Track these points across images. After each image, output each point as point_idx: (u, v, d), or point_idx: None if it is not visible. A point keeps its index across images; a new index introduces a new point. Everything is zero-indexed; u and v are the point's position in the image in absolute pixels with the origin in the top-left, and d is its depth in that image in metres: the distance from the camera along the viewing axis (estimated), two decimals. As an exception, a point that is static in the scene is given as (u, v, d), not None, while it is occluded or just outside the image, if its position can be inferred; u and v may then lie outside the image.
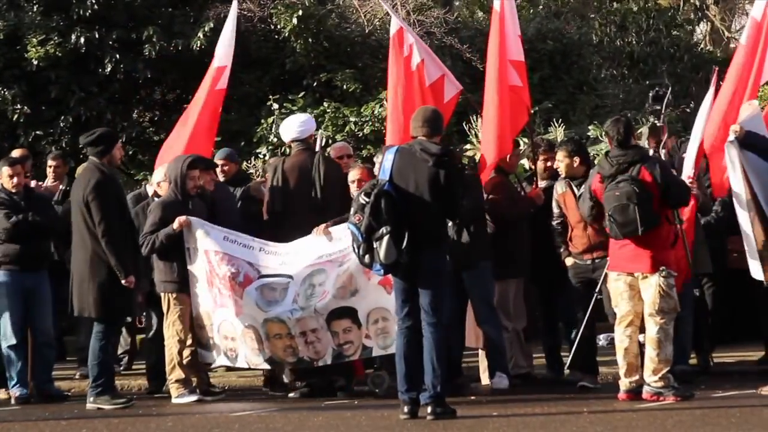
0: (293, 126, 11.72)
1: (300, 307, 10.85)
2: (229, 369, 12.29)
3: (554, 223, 11.36)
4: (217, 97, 12.60)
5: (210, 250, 11.07)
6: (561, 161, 11.28)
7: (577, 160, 11.26)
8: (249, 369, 11.59)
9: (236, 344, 11.09)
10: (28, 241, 11.52)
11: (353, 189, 11.07)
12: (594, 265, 11.07)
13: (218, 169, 12.24)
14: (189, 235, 11.11)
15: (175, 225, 11.08)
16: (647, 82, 19.80)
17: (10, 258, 11.54)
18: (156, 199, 11.64)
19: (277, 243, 11.20)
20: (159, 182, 11.67)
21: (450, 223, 10.59)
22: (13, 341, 11.57)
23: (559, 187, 11.34)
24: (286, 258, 11.06)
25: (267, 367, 11.31)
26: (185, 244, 11.11)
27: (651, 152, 10.97)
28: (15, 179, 11.63)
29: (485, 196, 11.50)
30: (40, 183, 13.01)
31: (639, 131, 12.19)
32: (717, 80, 11.54)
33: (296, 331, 10.87)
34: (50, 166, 13.36)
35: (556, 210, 11.35)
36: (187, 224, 11.07)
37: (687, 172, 11.12)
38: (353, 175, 11.34)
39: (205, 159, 12.13)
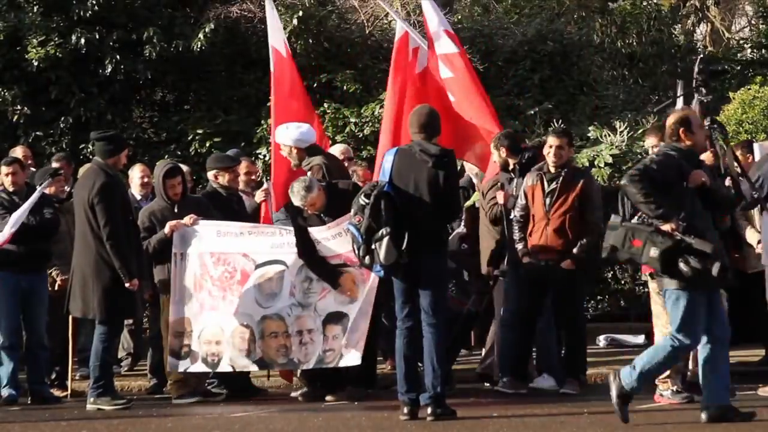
0: (292, 134, 11.56)
1: (299, 302, 10.87)
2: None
3: (517, 214, 11.06)
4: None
5: (205, 252, 11.08)
6: (561, 147, 10.95)
7: (572, 149, 11.21)
8: (231, 372, 11.23)
9: (221, 348, 11.00)
10: (27, 242, 11.44)
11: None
12: (548, 268, 10.93)
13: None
14: (180, 241, 11.10)
15: (166, 230, 11.13)
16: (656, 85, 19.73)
17: (9, 259, 11.47)
18: None
19: (262, 225, 11.30)
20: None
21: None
22: (7, 342, 11.55)
23: (530, 179, 11.05)
24: (273, 239, 11.03)
25: (255, 368, 11.25)
26: (173, 249, 11.11)
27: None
28: (10, 178, 11.59)
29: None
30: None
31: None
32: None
33: (293, 329, 10.86)
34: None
35: (521, 201, 11.06)
36: (178, 228, 11.09)
37: None
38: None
39: (226, 157, 12.20)
